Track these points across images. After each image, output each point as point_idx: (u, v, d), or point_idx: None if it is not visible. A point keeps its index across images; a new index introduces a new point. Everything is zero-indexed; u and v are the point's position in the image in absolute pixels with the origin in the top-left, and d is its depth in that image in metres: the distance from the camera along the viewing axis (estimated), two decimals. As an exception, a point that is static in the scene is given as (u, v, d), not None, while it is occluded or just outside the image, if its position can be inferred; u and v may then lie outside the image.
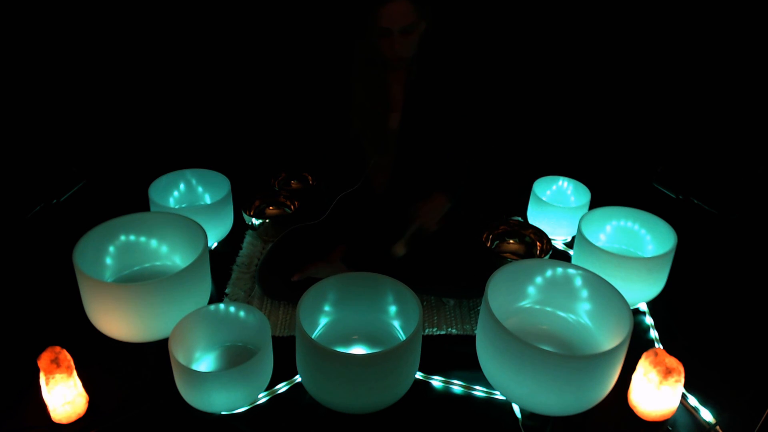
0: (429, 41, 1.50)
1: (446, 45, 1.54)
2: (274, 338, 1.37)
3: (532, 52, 2.43)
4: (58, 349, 1.22)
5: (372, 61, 1.51)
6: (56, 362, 1.20)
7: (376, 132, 1.60)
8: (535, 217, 1.93)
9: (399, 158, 1.62)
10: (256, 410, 1.30)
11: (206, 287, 1.46)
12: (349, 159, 1.65)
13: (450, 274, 1.59)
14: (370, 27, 1.42)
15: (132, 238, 1.54)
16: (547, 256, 1.74)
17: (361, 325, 1.42)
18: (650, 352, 1.26)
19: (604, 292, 1.30)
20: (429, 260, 1.59)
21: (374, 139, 1.60)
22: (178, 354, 1.23)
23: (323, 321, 1.41)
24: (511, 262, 1.35)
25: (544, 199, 1.91)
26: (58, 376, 1.20)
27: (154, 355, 1.41)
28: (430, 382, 1.38)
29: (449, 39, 1.53)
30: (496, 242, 1.85)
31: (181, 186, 1.88)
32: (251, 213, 1.89)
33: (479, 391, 1.35)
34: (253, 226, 1.88)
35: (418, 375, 1.38)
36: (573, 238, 1.82)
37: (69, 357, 1.23)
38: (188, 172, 1.87)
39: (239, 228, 1.89)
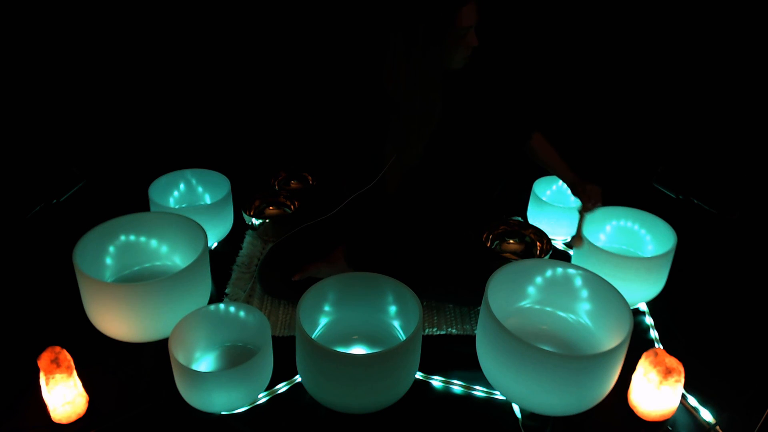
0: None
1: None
2: (274, 338, 1.37)
3: (532, 51, 2.43)
4: (58, 349, 1.22)
5: (434, 68, 1.49)
6: (56, 362, 1.20)
7: (417, 137, 1.58)
8: (535, 217, 1.93)
9: (426, 164, 1.60)
10: (256, 410, 1.30)
11: (206, 287, 1.46)
12: (357, 157, 1.64)
13: (452, 280, 1.58)
14: (451, 30, 1.42)
15: (132, 238, 1.54)
16: (547, 256, 1.74)
17: (361, 325, 1.41)
18: (650, 352, 1.26)
19: (604, 292, 1.30)
20: (432, 264, 1.59)
21: (413, 143, 1.58)
22: (178, 354, 1.23)
23: (323, 321, 1.41)
24: (511, 262, 1.35)
25: (544, 199, 1.91)
26: (58, 376, 1.20)
27: (154, 355, 1.41)
28: (430, 382, 1.38)
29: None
30: (496, 242, 1.85)
31: (181, 186, 1.88)
32: (251, 213, 1.89)
33: (479, 391, 1.35)
34: (253, 226, 1.88)
35: (418, 375, 1.38)
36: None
37: (69, 357, 1.23)
38: (188, 172, 1.87)
39: (239, 228, 1.89)
